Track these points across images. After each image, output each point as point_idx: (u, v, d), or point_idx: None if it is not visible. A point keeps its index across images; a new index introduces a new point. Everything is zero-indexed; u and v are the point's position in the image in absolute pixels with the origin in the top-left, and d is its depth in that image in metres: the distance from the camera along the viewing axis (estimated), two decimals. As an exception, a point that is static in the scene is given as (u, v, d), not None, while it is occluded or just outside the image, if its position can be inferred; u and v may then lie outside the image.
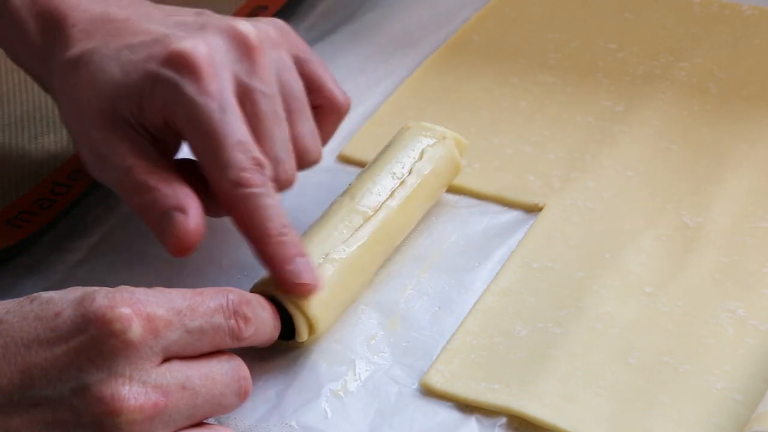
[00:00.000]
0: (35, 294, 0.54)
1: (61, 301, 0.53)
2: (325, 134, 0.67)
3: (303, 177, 0.71)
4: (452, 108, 0.76)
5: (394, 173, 0.66)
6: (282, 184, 0.62)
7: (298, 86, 0.64)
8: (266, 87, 0.62)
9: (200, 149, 0.60)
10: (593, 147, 0.72)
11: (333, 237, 0.62)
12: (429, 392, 0.60)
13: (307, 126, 0.64)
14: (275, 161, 0.62)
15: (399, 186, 0.65)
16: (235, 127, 0.60)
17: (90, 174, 0.64)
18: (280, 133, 0.62)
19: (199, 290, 0.55)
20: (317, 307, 0.60)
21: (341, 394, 0.60)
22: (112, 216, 0.71)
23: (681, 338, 0.61)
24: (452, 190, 0.70)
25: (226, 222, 0.68)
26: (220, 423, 0.57)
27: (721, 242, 0.66)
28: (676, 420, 0.57)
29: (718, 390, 0.58)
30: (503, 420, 0.58)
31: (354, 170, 0.69)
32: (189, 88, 0.60)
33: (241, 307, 0.56)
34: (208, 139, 0.60)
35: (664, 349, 0.60)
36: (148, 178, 0.60)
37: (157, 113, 0.61)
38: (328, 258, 0.61)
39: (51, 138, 0.75)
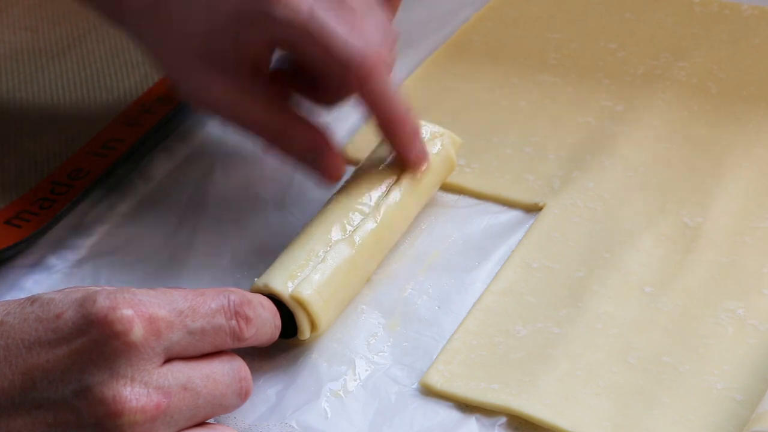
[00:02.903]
0: (36, 295, 0.54)
1: (62, 302, 0.53)
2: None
3: (300, 175, 0.72)
4: (452, 108, 0.76)
5: (389, 171, 0.66)
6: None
7: None
8: None
9: (316, 58, 0.63)
10: (593, 147, 0.72)
11: (331, 235, 0.62)
12: (429, 392, 0.60)
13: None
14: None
15: (395, 183, 0.65)
16: (337, 27, 0.63)
17: (196, 112, 0.68)
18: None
19: (200, 291, 0.55)
20: (318, 304, 0.60)
21: (341, 394, 0.60)
22: (112, 216, 0.71)
23: (681, 338, 0.61)
24: (452, 190, 0.70)
25: (226, 221, 0.68)
26: (219, 422, 0.57)
27: (721, 242, 0.66)
28: (676, 420, 0.57)
29: (718, 390, 0.58)
30: (503, 420, 0.58)
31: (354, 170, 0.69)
32: (278, 11, 0.62)
33: (243, 308, 0.56)
34: (319, 46, 0.63)
35: (664, 349, 0.60)
36: (276, 116, 0.65)
37: (253, 44, 0.64)
38: (327, 256, 0.61)
39: (51, 138, 0.75)
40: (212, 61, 0.65)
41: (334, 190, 0.66)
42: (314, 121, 0.67)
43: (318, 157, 0.66)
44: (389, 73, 0.65)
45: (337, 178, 0.66)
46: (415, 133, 0.66)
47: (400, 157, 0.66)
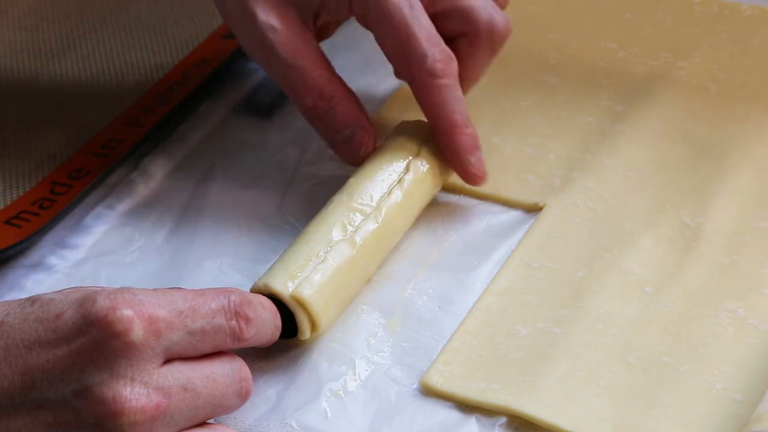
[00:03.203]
0: (36, 295, 0.54)
1: (62, 302, 0.53)
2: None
3: (300, 175, 0.72)
4: (452, 108, 0.76)
5: (391, 171, 0.66)
6: None
7: None
8: None
9: (394, 42, 0.65)
10: (593, 147, 0.72)
11: (332, 235, 0.62)
12: (429, 392, 0.60)
13: None
14: None
15: (397, 183, 0.65)
16: (424, 21, 0.66)
17: (254, 58, 0.68)
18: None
19: (200, 291, 0.55)
20: (319, 304, 0.60)
21: (341, 394, 0.60)
22: (112, 216, 0.71)
23: (681, 338, 0.61)
24: (452, 190, 0.70)
25: (226, 221, 0.68)
26: (219, 423, 0.57)
27: (721, 242, 0.66)
28: (676, 420, 0.57)
29: (718, 390, 0.58)
30: (503, 420, 0.58)
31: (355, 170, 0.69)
32: None
33: (243, 308, 0.56)
34: (403, 33, 0.65)
35: (664, 349, 0.60)
36: (329, 85, 0.67)
37: (343, 11, 0.66)
38: (327, 256, 0.61)
39: (51, 138, 0.75)
40: (287, 8, 0.66)
41: (335, 190, 0.66)
42: (358, 98, 0.68)
43: (354, 134, 0.67)
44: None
45: (361, 161, 0.67)
46: (472, 147, 0.67)
47: (458, 171, 0.67)
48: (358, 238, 0.63)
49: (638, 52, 0.79)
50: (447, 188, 0.70)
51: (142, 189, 0.72)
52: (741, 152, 0.71)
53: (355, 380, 0.60)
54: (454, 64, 0.66)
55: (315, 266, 0.61)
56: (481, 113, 0.75)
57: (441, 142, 0.67)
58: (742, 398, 0.58)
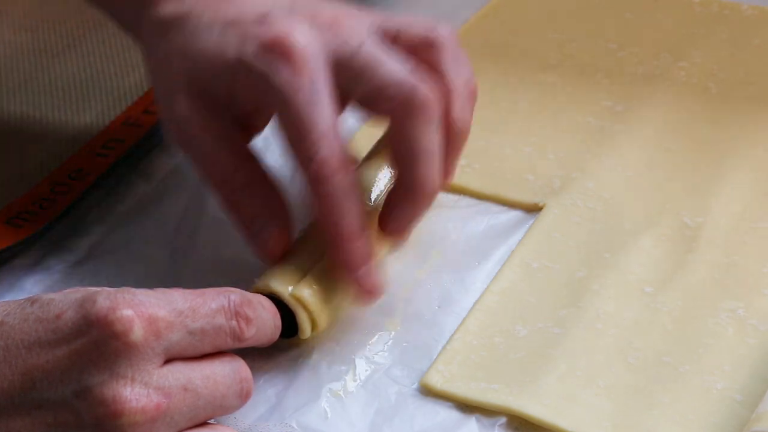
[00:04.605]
0: (36, 296, 0.54)
1: (62, 302, 0.53)
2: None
3: (300, 175, 0.71)
4: (452, 108, 0.76)
5: (389, 171, 0.66)
6: None
7: None
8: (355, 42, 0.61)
9: (289, 140, 0.60)
10: (593, 147, 0.72)
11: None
12: (429, 392, 0.60)
13: None
14: None
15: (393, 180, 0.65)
16: (324, 116, 0.59)
17: (170, 141, 0.64)
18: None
19: (200, 291, 0.55)
20: (319, 303, 0.60)
21: (341, 394, 0.60)
22: (112, 216, 0.71)
23: (681, 338, 0.61)
24: (452, 190, 0.70)
25: (226, 221, 0.68)
26: (219, 423, 0.57)
27: (721, 242, 0.66)
28: (676, 420, 0.57)
29: (718, 390, 0.58)
30: (503, 420, 0.58)
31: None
32: (281, 77, 0.59)
33: (243, 308, 0.56)
34: (297, 130, 0.59)
35: (664, 349, 0.60)
36: (237, 173, 0.61)
37: (248, 100, 0.61)
38: (327, 254, 0.61)
39: (51, 138, 0.75)
40: (202, 95, 0.62)
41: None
42: (281, 188, 0.62)
43: (265, 226, 0.61)
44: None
45: (273, 258, 0.61)
46: (357, 262, 0.60)
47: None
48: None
49: (638, 52, 0.79)
50: (447, 188, 0.70)
51: (142, 189, 0.72)
52: (741, 152, 0.71)
53: (355, 380, 0.60)
54: (350, 166, 0.59)
55: (314, 265, 0.61)
56: (481, 113, 0.75)
57: (329, 253, 0.60)
58: (742, 398, 0.58)
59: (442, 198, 0.70)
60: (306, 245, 0.62)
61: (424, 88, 0.60)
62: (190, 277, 0.66)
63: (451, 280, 0.65)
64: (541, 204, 0.69)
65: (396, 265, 0.66)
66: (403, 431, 0.58)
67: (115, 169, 0.72)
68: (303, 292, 0.60)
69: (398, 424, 0.58)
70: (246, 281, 0.62)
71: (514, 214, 0.69)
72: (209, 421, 0.56)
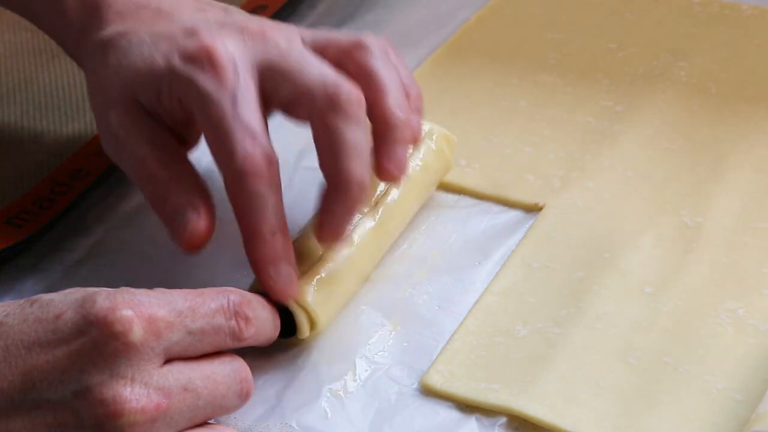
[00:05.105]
0: (36, 296, 0.54)
1: (61, 303, 0.53)
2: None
3: (300, 175, 0.71)
4: (452, 108, 0.76)
5: None
6: None
7: None
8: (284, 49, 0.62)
9: (211, 141, 0.60)
10: (593, 147, 0.72)
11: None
12: (429, 392, 0.60)
13: None
14: None
15: None
16: (246, 117, 0.59)
17: (108, 156, 0.65)
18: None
19: (199, 291, 0.55)
20: (318, 303, 0.60)
21: (341, 394, 0.60)
22: (112, 216, 0.71)
23: (681, 338, 0.61)
24: (452, 190, 0.70)
25: (226, 221, 0.68)
26: (219, 422, 0.57)
27: (721, 242, 0.66)
28: (676, 420, 0.57)
29: (718, 390, 0.58)
30: (503, 420, 0.58)
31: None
32: (205, 83, 0.60)
33: (242, 308, 0.56)
34: (218, 130, 0.59)
35: (664, 349, 0.60)
36: (162, 170, 0.61)
37: (175, 107, 0.62)
38: (325, 254, 0.61)
39: (51, 138, 0.75)
40: (133, 107, 0.63)
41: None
42: (205, 184, 0.62)
43: (185, 219, 0.60)
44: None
45: (192, 247, 0.60)
46: (271, 258, 0.59)
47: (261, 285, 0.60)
48: (355, 237, 0.63)
49: (638, 52, 0.79)
50: (447, 188, 0.70)
51: (142, 189, 0.72)
52: (741, 152, 0.71)
53: (355, 380, 0.60)
54: (274, 166, 0.59)
55: (313, 265, 0.61)
56: (481, 113, 0.75)
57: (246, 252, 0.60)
58: (742, 398, 0.58)
59: (442, 198, 0.70)
60: (304, 245, 0.62)
61: (347, 86, 0.60)
62: (190, 277, 0.66)
63: (450, 280, 0.65)
64: (541, 204, 0.69)
65: (396, 265, 0.66)
66: (403, 431, 0.58)
67: (115, 169, 0.72)
68: (302, 292, 0.60)
69: (398, 424, 0.58)
70: (246, 281, 0.62)
71: (514, 214, 0.69)
72: (209, 421, 0.56)
